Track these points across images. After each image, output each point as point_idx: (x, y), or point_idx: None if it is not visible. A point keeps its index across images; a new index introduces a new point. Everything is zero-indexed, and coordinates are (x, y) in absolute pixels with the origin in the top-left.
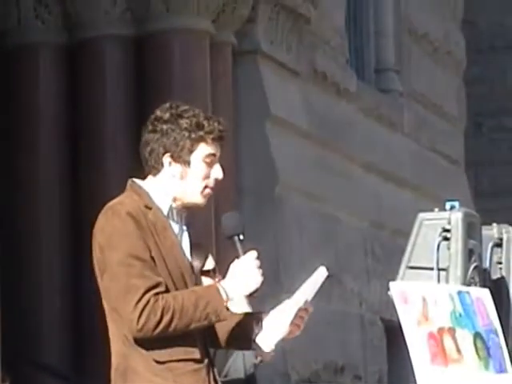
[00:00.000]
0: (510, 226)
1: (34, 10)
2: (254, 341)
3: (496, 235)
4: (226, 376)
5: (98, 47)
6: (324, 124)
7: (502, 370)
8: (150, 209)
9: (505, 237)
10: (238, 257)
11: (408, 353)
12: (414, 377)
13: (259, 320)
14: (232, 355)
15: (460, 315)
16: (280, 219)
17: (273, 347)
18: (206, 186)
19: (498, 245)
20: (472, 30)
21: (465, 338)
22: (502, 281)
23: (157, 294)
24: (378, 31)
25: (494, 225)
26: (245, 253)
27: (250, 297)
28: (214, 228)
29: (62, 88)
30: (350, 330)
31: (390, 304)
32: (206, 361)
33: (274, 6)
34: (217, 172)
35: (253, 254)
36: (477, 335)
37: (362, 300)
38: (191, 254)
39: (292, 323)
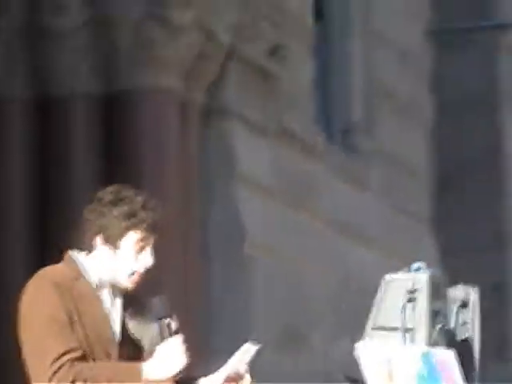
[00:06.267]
0: (476, 284)
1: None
2: None
3: (462, 296)
4: None
5: (66, 105)
6: (291, 183)
7: None
8: (79, 279)
9: (471, 298)
10: (165, 339)
11: None
12: None
13: None
14: None
15: (425, 377)
16: (248, 278)
17: None
18: (133, 272)
19: (464, 305)
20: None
21: None
22: (467, 342)
23: (73, 359)
24: (346, 90)
25: (460, 286)
26: (171, 335)
27: (174, 379)
28: (183, 287)
29: (32, 142)
30: None
31: (357, 363)
32: None
33: (243, 65)
34: (146, 259)
35: (179, 337)
36: None
37: (329, 358)
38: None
39: None
